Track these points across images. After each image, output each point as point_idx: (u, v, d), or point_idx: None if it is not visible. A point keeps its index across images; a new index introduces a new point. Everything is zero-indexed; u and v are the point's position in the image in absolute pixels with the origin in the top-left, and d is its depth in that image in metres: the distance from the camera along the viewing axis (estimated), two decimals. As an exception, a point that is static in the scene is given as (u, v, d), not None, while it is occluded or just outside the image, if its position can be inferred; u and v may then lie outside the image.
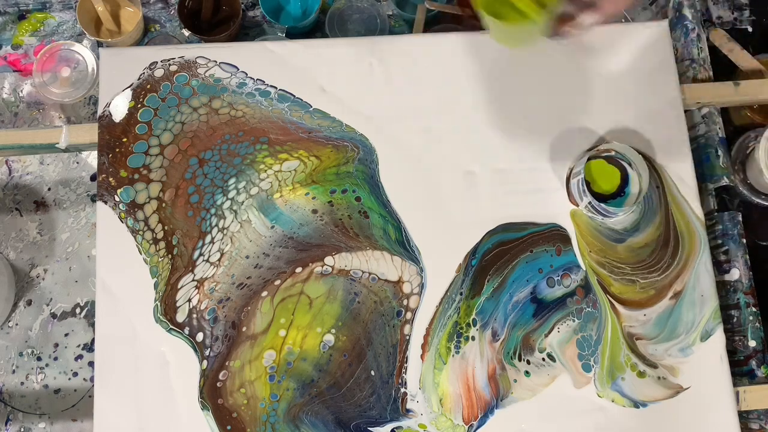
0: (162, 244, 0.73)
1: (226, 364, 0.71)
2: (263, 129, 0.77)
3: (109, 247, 0.73)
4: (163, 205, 0.74)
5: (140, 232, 0.74)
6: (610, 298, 0.74)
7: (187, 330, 0.72)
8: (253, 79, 0.78)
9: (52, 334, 0.83)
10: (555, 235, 0.75)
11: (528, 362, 0.72)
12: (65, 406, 0.81)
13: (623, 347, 0.73)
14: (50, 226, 0.86)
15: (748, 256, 0.78)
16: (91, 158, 0.88)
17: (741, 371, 0.76)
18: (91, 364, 0.82)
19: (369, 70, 0.79)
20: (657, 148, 0.78)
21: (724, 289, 0.78)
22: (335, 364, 0.71)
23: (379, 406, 0.71)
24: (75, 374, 0.82)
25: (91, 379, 0.81)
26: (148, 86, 0.77)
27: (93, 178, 0.87)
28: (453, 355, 0.72)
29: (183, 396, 0.70)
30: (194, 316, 0.72)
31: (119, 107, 0.77)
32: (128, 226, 0.74)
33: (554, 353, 0.72)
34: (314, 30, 0.92)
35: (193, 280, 0.73)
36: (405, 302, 0.73)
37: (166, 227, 0.74)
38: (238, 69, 0.78)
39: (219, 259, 0.73)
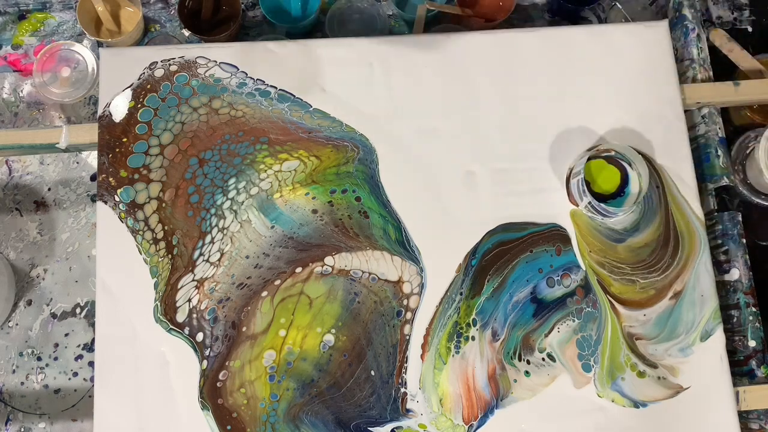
0: (162, 244, 0.73)
1: (226, 364, 0.71)
2: (263, 129, 0.77)
3: (109, 247, 0.73)
4: (163, 205, 0.74)
5: (140, 232, 0.74)
6: (610, 298, 0.74)
7: (187, 330, 0.72)
8: (253, 79, 0.78)
9: (52, 334, 0.83)
10: (555, 235, 0.75)
11: (528, 362, 0.72)
12: (65, 406, 0.81)
13: (623, 347, 0.73)
14: (50, 226, 0.86)
15: (748, 256, 0.78)
16: (91, 158, 0.88)
17: (741, 371, 0.76)
18: (91, 364, 0.82)
19: (369, 70, 0.79)
20: (657, 148, 0.78)
21: (724, 289, 0.78)
22: (335, 364, 0.71)
23: (379, 406, 0.71)
24: (75, 374, 0.82)
25: (91, 379, 0.81)
26: (148, 86, 0.77)
27: (93, 178, 0.87)
28: (453, 355, 0.72)
29: (183, 396, 0.70)
30: (194, 316, 0.72)
31: (119, 107, 0.77)
32: (128, 226, 0.74)
33: (554, 353, 0.72)
34: (314, 30, 0.92)
35: (193, 280, 0.73)
36: (405, 302, 0.73)
37: (166, 227, 0.74)
38: (238, 69, 0.78)
39: (219, 259, 0.73)
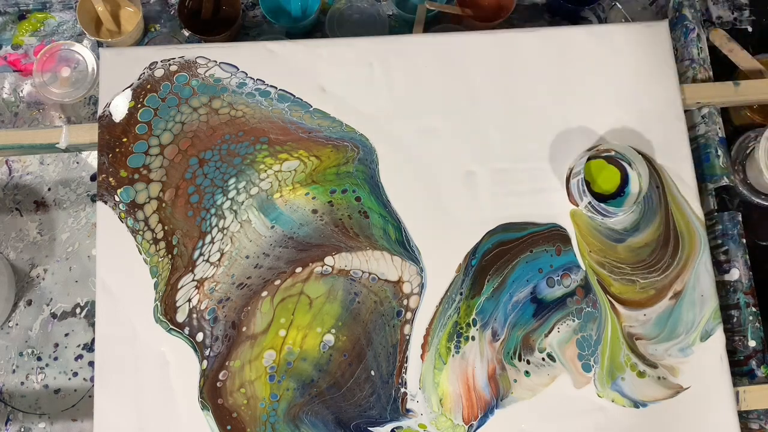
0: (162, 244, 0.73)
1: (226, 364, 0.71)
2: (263, 129, 0.77)
3: (109, 247, 0.73)
4: (163, 205, 0.74)
5: (140, 232, 0.74)
6: (610, 298, 0.74)
7: (187, 330, 0.72)
8: (253, 79, 0.78)
9: (52, 334, 0.83)
10: (555, 235, 0.75)
11: (528, 362, 0.72)
12: (65, 406, 0.81)
13: (623, 347, 0.73)
14: (50, 226, 0.86)
15: (748, 256, 0.78)
16: (91, 158, 0.88)
17: (741, 371, 0.76)
18: (91, 364, 0.82)
19: (369, 70, 0.79)
20: (657, 148, 0.78)
21: (724, 289, 0.78)
22: (335, 364, 0.71)
23: (379, 406, 0.71)
24: (75, 374, 0.82)
25: (91, 379, 0.81)
26: (148, 86, 0.77)
27: (93, 178, 0.87)
28: (453, 355, 0.72)
29: (183, 396, 0.70)
30: (194, 316, 0.72)
31: (119, 107, 0.77)
32: (128, 226, 0.74)
33: (554, 353, 0.72)
34: (314, 30, 0.92)
35: (193, 280, 0.73)
36: (405, 302, 0.73)
37: (166, 227, 0.74)
38: (238, 69, 0.78)
39: (219, 259, 0.73)
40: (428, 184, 0.76)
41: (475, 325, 0.73)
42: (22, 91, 0.91)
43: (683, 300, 0.74)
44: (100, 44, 0.90)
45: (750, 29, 0.93)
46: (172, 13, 0.93)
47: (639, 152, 0.74)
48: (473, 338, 0.72)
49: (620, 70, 0.80)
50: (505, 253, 0.74)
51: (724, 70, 0.87)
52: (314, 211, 0.75)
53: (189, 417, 0.70)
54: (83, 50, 0.88)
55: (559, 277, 0.74)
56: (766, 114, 0.87)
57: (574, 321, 0.73)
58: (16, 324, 0.83)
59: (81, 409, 0.81)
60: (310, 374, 0.71)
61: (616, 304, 0.74)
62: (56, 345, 0.82)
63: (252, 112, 0.77)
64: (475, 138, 0.78)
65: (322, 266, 0.74)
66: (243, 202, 0.75)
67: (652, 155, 0.78)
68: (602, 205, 0.72)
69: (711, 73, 0.83)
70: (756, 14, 0.94)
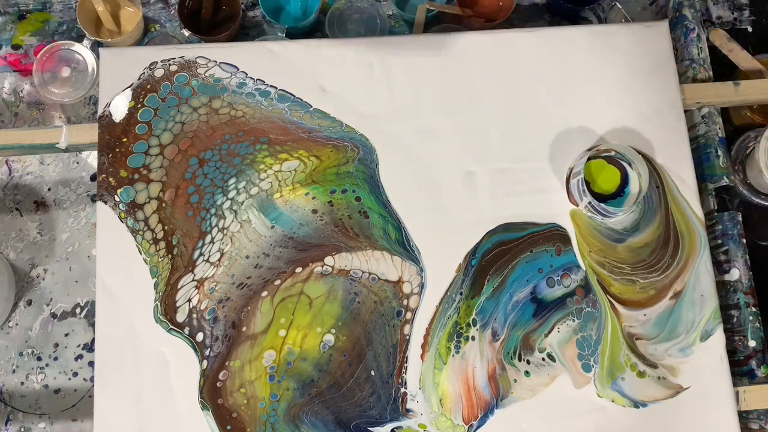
0: (162, 244, 0.73)
1: (226, 364, 0.71)
2: (263, 129, 0.77)
3: (109, 247, 0.73)
4: (163, 205, 0.74)
5: (140, 232, 0.74)
6: (610, 298, 0.74)
7: (187, 330, 0.72)
8: (253, 79, 0.78)
9: (52, 334, 0.83)
10: (555, 235, 0.75)
11: (528, 362, 0.72)
12: (65, 406, 0.81)
13: (623, 347, 0.73)
14: (50, 226, 0.86)
15: (748, 256, 0.78)
16: (91, 158, 0.88)
17: (741, 371, 0.76)
18: (91, 364, 0.82)
19: (369, 70, 0.79)
20: (657, 148, 0.78)
21: (724, 289, 0.78)
22: (335, 364, 0.71)
23: (379, 406, 0.71)
24: (75, 374, 0.82)
25: (91, 379, 0.81)
26: (148, 86, 0.77)
27: (93, 178, 0.87)
28: (453, 355, 0.72)
29: (183, 396, 0.70)
30: (194, 316, 0.72)
31: (119, 107, 0.77)
32: (128, 226, 0.74)
33: (554, 353, 0.72)
34: (314, 30, 0.92)
35: (193, 280, 0.73)
36: (405, 302, 0.73)
37: (166, 227, 0.74)
38: (238, 69, 0.78)
39: (219, 259, 0.73)
40: (428, 184, 0.76)
41: (475, 325, 0.73)
42: (22, 91, 0.90)
43: (683, 300, 0.74)
44: (100, 44, 0.90)
45: (750, 29, 0.93)
46: (172, 13, 0.93)
47: (639, 152, 0.74)
48: (473, 338, 0.72)
49: (620, 70, 0.80)
50: (505, 253, 0.75)
51: (724, 70, 0.87)
52: (314, 211, 0.75)
53: (189, 417, 0.70)
54: (83, 50, 0.88)
55: (559, 277, 0.74)
56: (766, 114, 0.87)
57: (574, 321, 0.73)
58: (16, 324, 0.83)
59: (81, 409, 0.81)
60: (310, 374, 0.71)
61: (616, 304, 0.74)
62: (56, 345, 0.82)
63: (252, 112, 0.77)
64: (475, 138, 0.78)
65: (322, 266, 0.74)
66: (243, 202, 0.75)
67: (652, 155, 0.78)
68: (602, 205, 0.72)
69: (711, 73, 0.83)
70: (756, 14, 0.94)
